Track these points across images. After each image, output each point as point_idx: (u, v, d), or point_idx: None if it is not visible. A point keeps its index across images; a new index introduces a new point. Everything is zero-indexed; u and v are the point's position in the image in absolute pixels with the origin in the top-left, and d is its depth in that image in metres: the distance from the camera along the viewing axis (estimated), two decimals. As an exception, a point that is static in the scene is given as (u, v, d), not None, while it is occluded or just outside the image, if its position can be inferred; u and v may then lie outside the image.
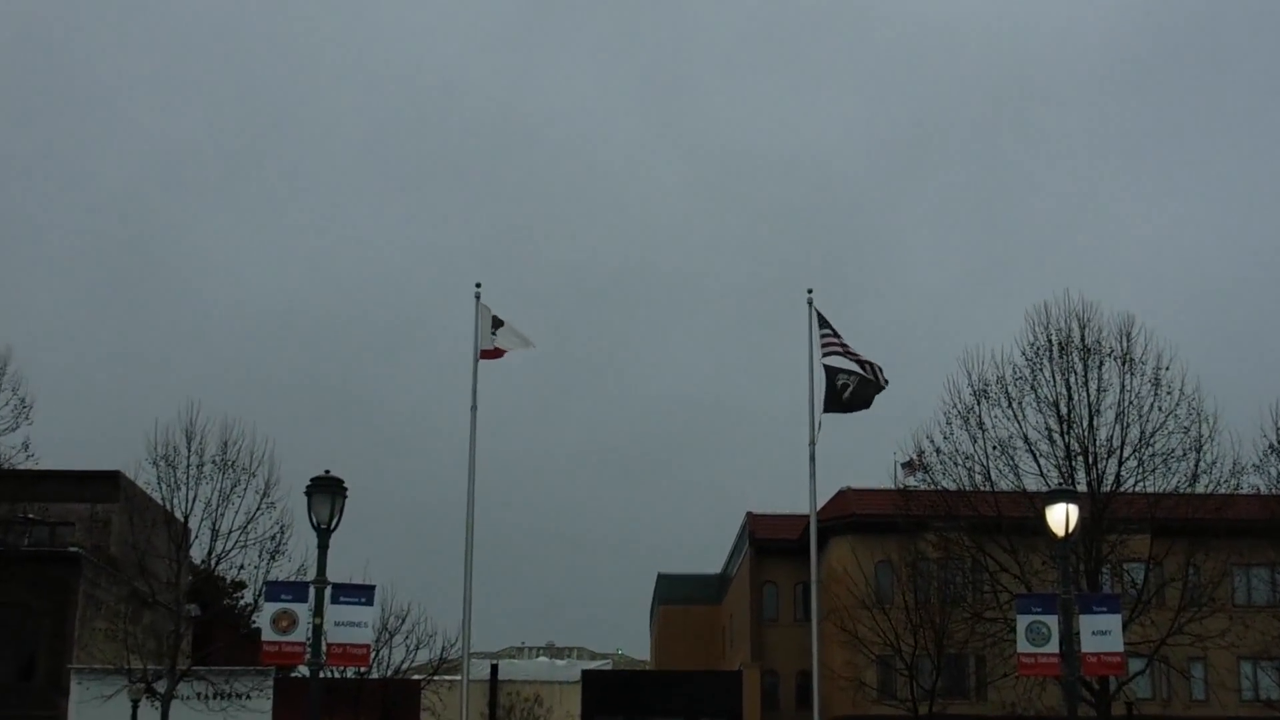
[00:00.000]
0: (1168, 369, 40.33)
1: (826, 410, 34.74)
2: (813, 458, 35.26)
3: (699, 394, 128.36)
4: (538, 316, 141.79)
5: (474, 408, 35.39)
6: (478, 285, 36.18)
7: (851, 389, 34.51)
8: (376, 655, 49.73)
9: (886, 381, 34.60)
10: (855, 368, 34.80)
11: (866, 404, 34.82)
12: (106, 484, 55.36)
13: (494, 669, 66.74)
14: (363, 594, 24.20)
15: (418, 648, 53.02)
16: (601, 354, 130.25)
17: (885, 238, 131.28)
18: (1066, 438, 40.20)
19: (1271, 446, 40.89)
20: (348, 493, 24.42)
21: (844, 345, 35.04)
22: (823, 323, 35.47)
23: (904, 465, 46.64)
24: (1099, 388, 40.47)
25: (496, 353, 35.77)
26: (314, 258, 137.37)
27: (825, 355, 35.23)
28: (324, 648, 23.15)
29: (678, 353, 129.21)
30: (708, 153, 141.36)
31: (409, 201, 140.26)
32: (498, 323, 35.86)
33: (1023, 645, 24.87)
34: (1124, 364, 40.58)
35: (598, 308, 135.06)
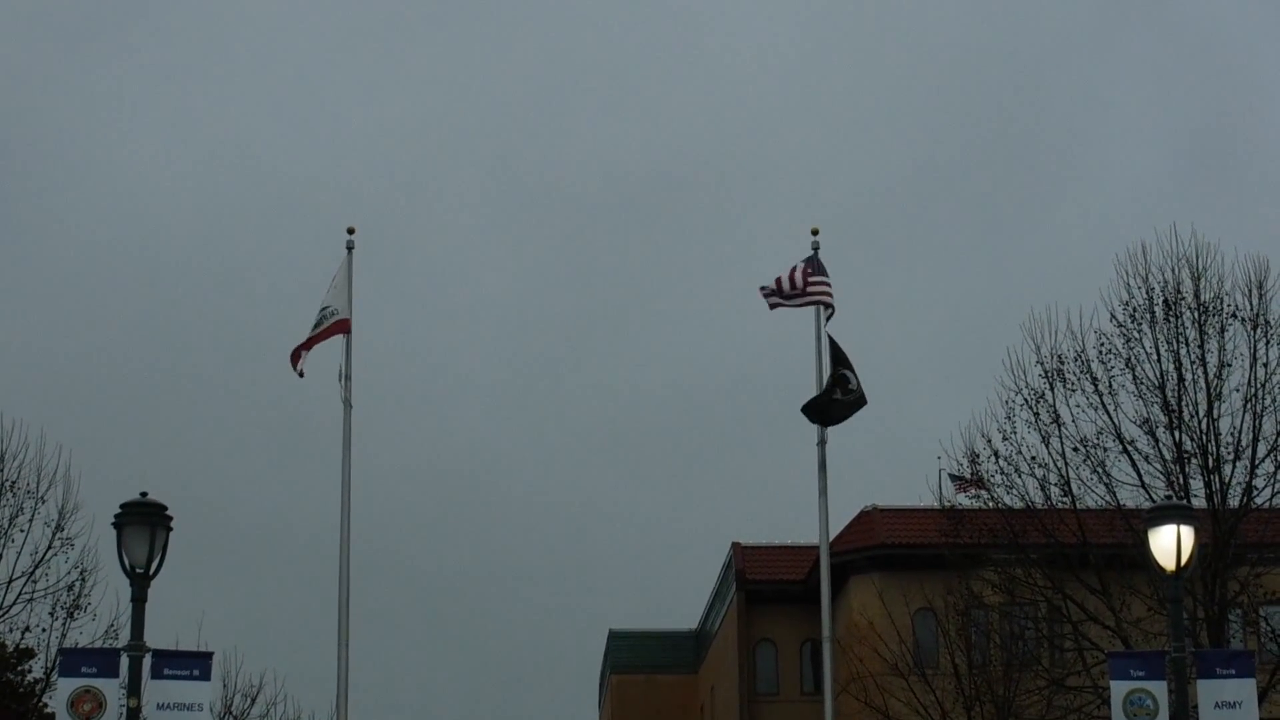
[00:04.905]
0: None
1: (806, 409, 34.84)
2: (823, 464, 35.18)
3: (711, 368, 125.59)
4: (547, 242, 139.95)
5: (347, 401, 35.36)
6: (350, 232, 36.27)
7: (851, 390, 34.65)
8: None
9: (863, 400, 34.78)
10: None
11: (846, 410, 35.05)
12: None
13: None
14: (196, 664, 24.30)
15: (274, 738, 52.90)
16: (585, 306, 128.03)
17: (1070, 114, 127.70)
18: (1176, 433, 40.44)
19: None
20: (173, 524, 24.32)
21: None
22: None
23: (954, 478, 46.65)
24: (1221, 362, 40.75)
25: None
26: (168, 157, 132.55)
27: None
28: (143, 740, 23.18)
29: (703, 302, 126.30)
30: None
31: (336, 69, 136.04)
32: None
33: (1120, 722, 25.05)
34: (1255, 328, 40.88)
35: (612, 231, 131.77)
